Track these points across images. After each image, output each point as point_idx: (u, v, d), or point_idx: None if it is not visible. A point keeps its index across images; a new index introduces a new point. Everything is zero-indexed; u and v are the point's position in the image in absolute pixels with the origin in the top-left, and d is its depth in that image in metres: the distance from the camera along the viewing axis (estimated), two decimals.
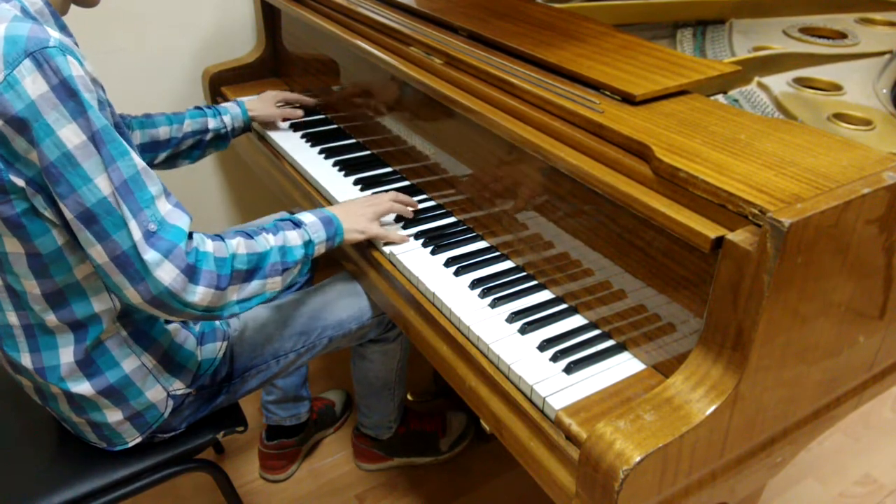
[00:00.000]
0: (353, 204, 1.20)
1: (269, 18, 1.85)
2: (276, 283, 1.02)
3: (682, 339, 0.89)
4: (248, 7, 1.92)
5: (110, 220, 0.86)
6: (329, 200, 1.36)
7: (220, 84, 1.86)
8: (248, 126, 1.56)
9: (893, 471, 1.72)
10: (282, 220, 1.10)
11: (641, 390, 0.91)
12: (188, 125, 1.41)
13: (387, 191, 1.34)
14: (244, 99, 1.56)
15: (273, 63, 1.91)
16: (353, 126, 1.57)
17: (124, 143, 0.88)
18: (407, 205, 1.26)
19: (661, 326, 0.91)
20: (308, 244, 1.08)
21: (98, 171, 0.85)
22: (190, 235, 0.92)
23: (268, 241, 1.02)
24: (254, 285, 0.99)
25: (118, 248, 0.87)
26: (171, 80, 1.88)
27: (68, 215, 0.86)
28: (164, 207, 0.90)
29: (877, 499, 1.65)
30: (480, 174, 1.18)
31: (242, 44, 1.95)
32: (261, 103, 1.57)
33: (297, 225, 1.09)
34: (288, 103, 1.65)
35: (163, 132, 1.37)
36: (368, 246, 1.24)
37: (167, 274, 0.88)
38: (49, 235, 0.90)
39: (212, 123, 1.45)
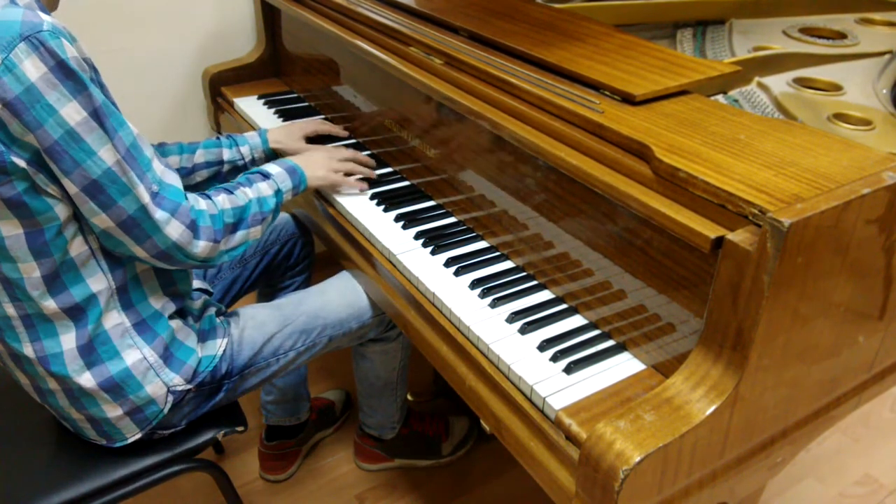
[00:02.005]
0: (314, 153, 1.31)
1: (269, 18, 1.85)
2: (257, 231, 1.11)
3: (682, 339, 0.89)
4: (248, 7, 1.92)
5: (115, 189, 0.91)
6: (331, 203, 1.36)
7: (220, 84, 1.86)
8: (270, 157, 1.44)
9: (893, 471, 1.72)
10: (251, 173, 1.18)
11: (641, 390, 0.91)
12: (200, 155, 1.35)
13: (393, 189, 1.34)
14: (269, 128, 1.46)
15: (273, 63, 1.92)
16: (351, 127, 1.57)
17: (120, 114, 0.93)
18: (366, 165, 1.37)
19: (661, 326, 0.91)
20: (278, 193, 1.17)
21: (101, 143, 0.89)
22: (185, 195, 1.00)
23: (246, 194, 1.11)
24: (239, 235, 1.08)
25: (124, 213, 0.93)
26: (171, 80, 1.88)
27: (72, 189, 0.90)
28: (159, 168, 0.98)
29: (877, 499, 1.65)
30: (480, 174, 1.18)
31: (242, 44, 1.95)
32: (287, 136, 1.46)
33: (266, 177, 1.18)
34: (318, 135, 1.53)
35: (171, 161, 1.32)
36: (367, 244, 1.24)
37: (175, 230, 0.97)
38: (52, 212, 0.92)
39: (227, 154, 1.38)
